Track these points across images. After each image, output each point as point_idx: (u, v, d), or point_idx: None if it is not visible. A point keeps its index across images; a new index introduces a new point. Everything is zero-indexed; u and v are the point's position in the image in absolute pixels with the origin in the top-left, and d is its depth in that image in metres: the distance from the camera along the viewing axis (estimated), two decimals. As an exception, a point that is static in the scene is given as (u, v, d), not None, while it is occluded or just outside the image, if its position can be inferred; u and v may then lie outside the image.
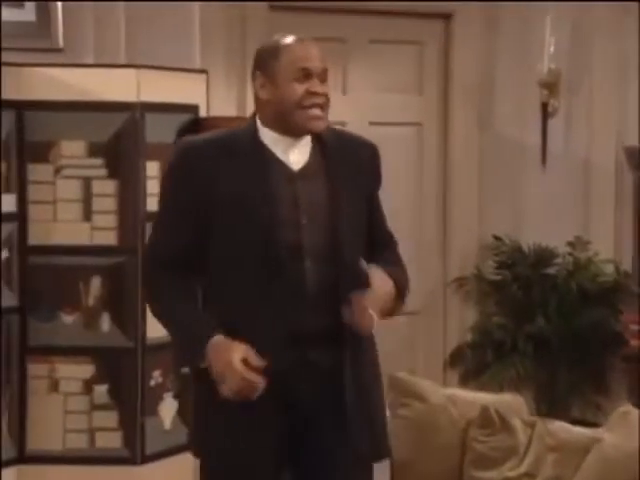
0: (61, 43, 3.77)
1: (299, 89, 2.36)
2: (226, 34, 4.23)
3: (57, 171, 3.66)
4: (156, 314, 2.41)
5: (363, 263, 2.29)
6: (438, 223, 4.68)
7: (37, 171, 3.64)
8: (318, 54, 2.42)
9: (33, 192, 3.64)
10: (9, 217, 3.58)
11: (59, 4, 3.74)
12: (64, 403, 3.63)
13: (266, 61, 2.41)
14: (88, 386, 3.64)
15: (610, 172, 4.50)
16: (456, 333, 4.65)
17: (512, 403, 3.01)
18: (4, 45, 3.62)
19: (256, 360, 2.23)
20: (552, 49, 4.35)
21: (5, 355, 3.56)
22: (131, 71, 3.67)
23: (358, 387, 2.34)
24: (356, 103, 4.50)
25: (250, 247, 2.31)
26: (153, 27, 3.92)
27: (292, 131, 2.38)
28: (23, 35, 3.73)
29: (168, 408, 3.76)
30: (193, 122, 3.90)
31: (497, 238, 4.53)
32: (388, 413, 2.79)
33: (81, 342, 3.64)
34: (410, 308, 4.61)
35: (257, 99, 2.43)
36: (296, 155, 2.40)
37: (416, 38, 4.59)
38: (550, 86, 4.39)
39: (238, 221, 2.32)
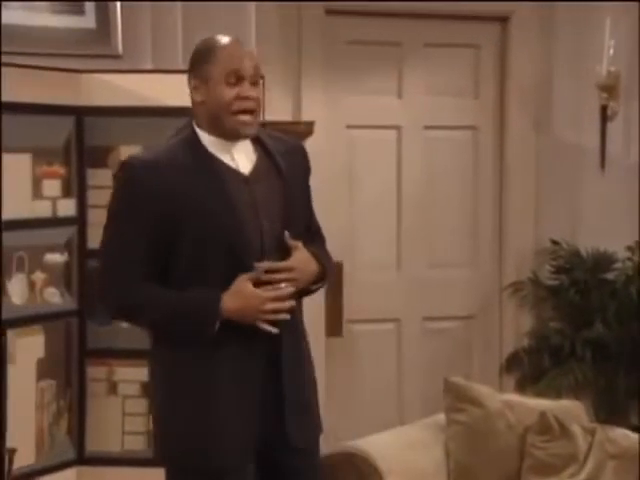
0: (120, 49, 3.84)
1: (229, 93, 2.41)
2: (282, 37, 4.28)
3: (116, 176, 3.75)
4: (147, 321, 2.46)
5: (287, 237, 2.39)
6: (494, 227, 4.67)
7: (96, 176, 3.70)
8: (250, 56, 2.46)
9: (92, 196, 3.71)
10: (69, 221, 3.66)
11: (118, 10, 3.82)
12: (122, 405, 3.69)
13: (199, 63, 2.46)
14: (146, 389, 3.70)
15: None
16: (512, 338, 4.65)
17: (571, 409, 3.07)
18: (64, 52, 3.71)
19: (260, 274, 2.34)
20: (611, 51, 4.33)
21: (65, 358, 3.64)
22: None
23: (295, 373, 2.44)
24: (411, 107, 4.52)
25: (216, 255, 2.37)
26: (210, 31, 3.97)
27: (225, 135, 2.43)
28: (82, 42, 3.81)
29: None
30: None
31: (554, 242, 4.51)
32: (444, 417, 2.84)
33: (138, 345, 3.69)
34: (466, 312, 4.68)
35: (192, 102, 2.48)
36: (243, 159, 2.46)
37: (472, 41, 4.60)
38: (609, 89, 4.35)
39: (202, 232, 2.36)
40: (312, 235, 2.61)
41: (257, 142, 2.50)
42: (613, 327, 4.27)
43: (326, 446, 3.43)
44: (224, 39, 2.47)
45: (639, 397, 4.29)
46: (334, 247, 4.27)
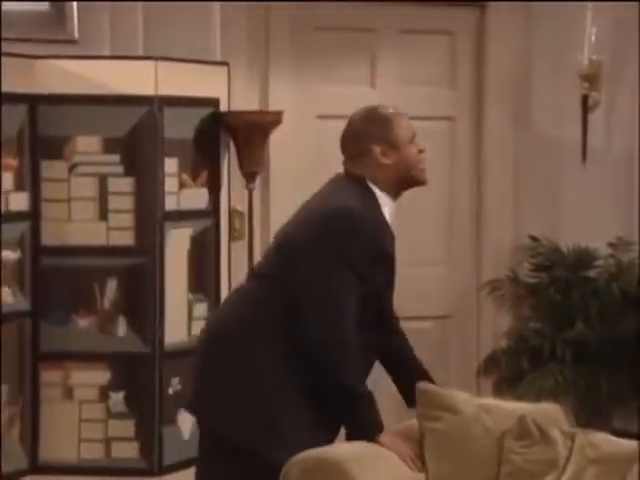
0: (76, 34, 3.79)
1: (413, 151, 2.94)
2: (248, 22, 4.24)
3: (72, 168, 3.68)
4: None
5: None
6: (471, 223, 4.67)
7: (51, 168, 3.66)
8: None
9: (47, 190, 3.66)
10: (22, 216, 3.60)
11: (74, -7, 3.76)
12: (79, 411, 3.65)
13: (383, 131, 2.94)
14: (104, 393, 3.66)
15: None
16: (490, 339, 4.64)
17: (551, 413, 2.97)
18: (16, 36, 3.64)
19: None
20: (593, 39, 4.31)
21: (18, 361, 3.58)
22: (149, 63, 3.68)
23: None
24: (384, 96, 4.40)
25: (378, 297, 2.90)
26: (172, 17, 3.94)
27: (410, 186, 2.98)
28: (36, 26, 3.75)
29: (187, 417, 3.74)
30: (214, 116, 3.93)
31: (534, 239, 4.50)
32: (417, 425, 2.91)
33: (96, 347, 3.66)
34: (442, 312, 4.65)
35: (376, 164, 2.92)
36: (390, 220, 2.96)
37: (448, 28, 4.59)
38: (591, 78, 4.36)
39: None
40: None
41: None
42: (595, 327, 4.27)
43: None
44: (388, 108, 3.01)
45: (622, 400, 4.30)
46: None
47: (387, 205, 2.94)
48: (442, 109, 4.60)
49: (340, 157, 4.48)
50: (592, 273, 4.41)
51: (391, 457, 2.86)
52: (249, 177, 4.09)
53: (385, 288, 2.94)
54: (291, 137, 4.26)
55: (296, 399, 2.77)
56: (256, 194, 4.18)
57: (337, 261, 2.73)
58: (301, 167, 4.36)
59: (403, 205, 4.39)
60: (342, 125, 4.42)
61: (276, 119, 4.04)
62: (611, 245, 4.39)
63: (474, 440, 2.89)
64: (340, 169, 4.46)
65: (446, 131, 4.60)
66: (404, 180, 2.96)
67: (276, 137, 4.14)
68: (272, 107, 4.20)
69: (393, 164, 2.93)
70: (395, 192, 2.96)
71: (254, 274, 2.92)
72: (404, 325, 4.47)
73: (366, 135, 2.94)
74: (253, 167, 4.07)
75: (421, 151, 2.96)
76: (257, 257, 4.18)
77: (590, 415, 4.21)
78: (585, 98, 4.40)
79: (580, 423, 3.82)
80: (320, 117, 4.42)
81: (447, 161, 4.61)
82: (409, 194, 4.48)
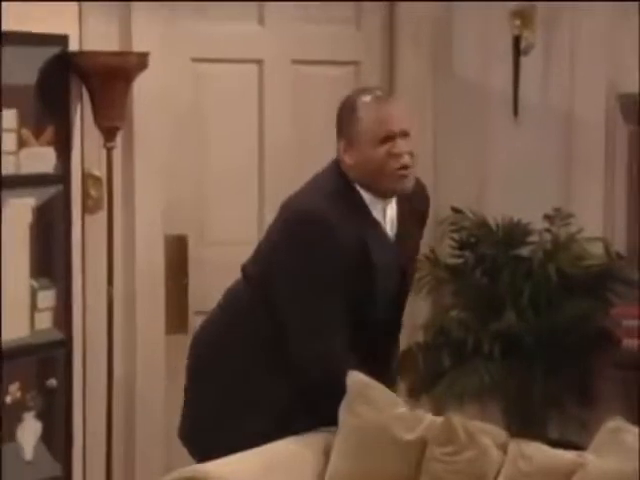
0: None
1: (380, 152, 3.07)
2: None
3: None
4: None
5: None
6: None
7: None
8: (396, 110, 3.15)
9: None
10: None
11: None
12: None
13: (346, 124, 3.12)
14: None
15: (599, 127, 4.50)
16: (404, 332, 4.58)
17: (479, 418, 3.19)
18: None
19: None
20: (526, -35, 4.39)
21: None
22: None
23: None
24: (276, 36, 4.50)
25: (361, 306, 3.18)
26: None
27: (382, 194, 3.14)
28: None
29: (29, 432, 3.75)
30: (62, 58, 3.90)
31: (456, 210, 4.53)
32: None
33: None
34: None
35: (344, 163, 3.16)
36: (389, 217, 3.20)
37: (353, -48, 4.63)
38: (523, 16, 4.41)
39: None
40: None
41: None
42: (528, 316, 4.29)
43: (168, 468, 3.39)
44: (368, 96, 3.13)
45: (559, 404, 4.35)
46: (177, 217, 4.35)
47: (376, 205, 3.12)
48: (346, 52, 4.62)
49: (223, 109, 4.46)
50: (525, 251, 4.45)
51: (290, 470, 3.02)
52: (107, 134, 4.04)
53: (367, 297, 3.10)
54: (160, 85, 4.20)
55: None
56: (116, 155, 4.13)
57: (304, 274, 3.05)
58: (173, 122, 4.32)
59: (299, 165, 4.39)
60: (225, 70, 4.49)
61: (141, 62, 3.99)
62: (547, 218, 4.42)
63: (391, 443, 3.01)
64: (222, 124, 4.47)
65: (351, 79, 4.60)
66: (374, 186, 3.10)
67: (141, 84, 4.09)
68: (136, 48, 4.15)
69: (356, 165, 3.08)
70: (378, 193, 3.10)
71: (243, 273, 3.38)
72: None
73: (337, 125, 3.15)
74: (112, 121, 4.03)
75: (396, 155, 3.04)
76: (118, 232, 4.10)
77: (522, 421, 4.25)
78: (517, 39, 4.44)
79: (511, 430, 3.83)
80: (196, 60, 4.39)
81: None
82: (306, 154, 4.51)
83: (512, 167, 4.54)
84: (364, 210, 3.14)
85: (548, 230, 4.43)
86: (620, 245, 4.40)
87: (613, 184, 4.46)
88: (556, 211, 4.40)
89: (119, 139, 4.11)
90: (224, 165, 4.44)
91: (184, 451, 3.40)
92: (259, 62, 4.47)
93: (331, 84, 4.53)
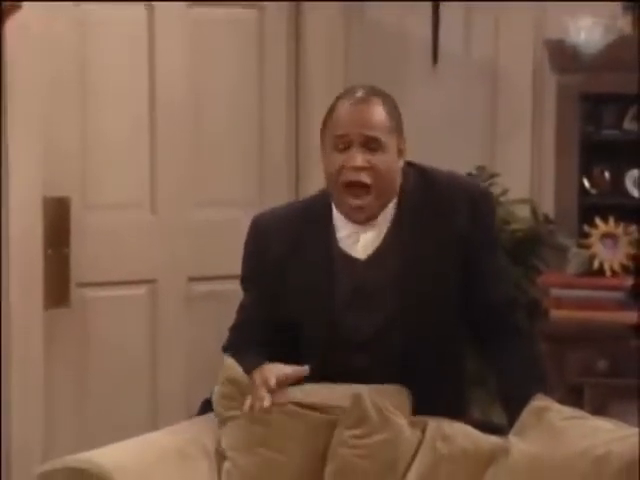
0: None
1: (336, 161, 2.79)
2: None
3: None
4: None
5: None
6: (289, 150, 4.69)
7: None
8: (367, 117, 2.77)
9: None
10: None
11: None
12: None
13: (323, 123, 2.87)
14: None
15: (526, 77, 4.55)
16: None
17: (394, 395, 3.02)
18: None
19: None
20: None
21: None
22: None
23: None
24: None
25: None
26: None
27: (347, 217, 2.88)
28: None
29: None
30: None
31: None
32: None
33: None
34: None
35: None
36: (361, 244, 2.89)
37: None
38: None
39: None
40: (500, 314, 3.07)
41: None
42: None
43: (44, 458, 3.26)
44: (345, 102, 2.81)
45: (483, 382, 4.22)
46: (58, 176, 4.19)
47: (343, 229, 2.86)
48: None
49: (110, 56, 4.28)
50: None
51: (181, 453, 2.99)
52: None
53: (302, 318, 2.94)
54: (37, 29, 4.04)
55: None
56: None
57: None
58: (52, 70, 4.17)
59: (195, 121, 4.37)
60: (111, 11, 4.29)
61: (12, 5, 3.83)
62: (470, 177, 4.31)
63: (292, 431, 2.97)
64: (108, 73, 4.29)
65: (253, 20, 4.57)
66: (335, 205, 2.88)
67: (15, 28, 3.93)
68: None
69: (324, 172, 2.87)
70: (344, 215, 2.87)
71: None
72: (197, 288, 4.46)
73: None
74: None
75: (346, 168, 2.74)
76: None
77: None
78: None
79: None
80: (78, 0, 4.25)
81: (255, 61, 4.59)
82: (204, 107, 4.40)
83: (430, 120, 4.52)
84: (324, 230, 2.87)
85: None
86: (548, 207, 4.42)
87: (541, 140, 4.51)
88: (479, 170, 4.38)
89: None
90: (111, 120, 4.35)
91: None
92: (149, 4, 4.39)
93: (232, 28, 4.51)
